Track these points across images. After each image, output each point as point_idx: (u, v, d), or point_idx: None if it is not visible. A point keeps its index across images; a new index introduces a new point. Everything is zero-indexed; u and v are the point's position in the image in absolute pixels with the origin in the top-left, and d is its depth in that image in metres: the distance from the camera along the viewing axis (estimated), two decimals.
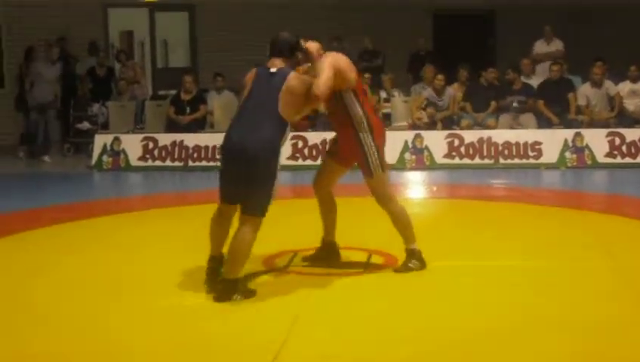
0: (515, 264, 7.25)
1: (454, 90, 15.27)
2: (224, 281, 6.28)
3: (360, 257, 7.42)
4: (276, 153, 6.31)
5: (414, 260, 6.93)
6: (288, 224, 8.01)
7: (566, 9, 18.69)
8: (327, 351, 5.16)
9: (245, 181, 6.23)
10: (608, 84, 14.73)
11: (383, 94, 15.26)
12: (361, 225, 8.62)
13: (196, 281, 6.72)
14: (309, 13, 18.90)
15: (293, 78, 6.42)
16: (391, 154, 13.25)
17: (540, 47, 16.62)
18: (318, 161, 13.62)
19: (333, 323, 5.67)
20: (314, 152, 13.89)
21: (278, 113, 6.32)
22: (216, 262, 6.54)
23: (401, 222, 6.95)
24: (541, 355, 5.05)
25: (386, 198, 6.94)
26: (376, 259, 7.35)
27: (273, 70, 6.48)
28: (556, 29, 17.02)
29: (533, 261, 7.36)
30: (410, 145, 13.73)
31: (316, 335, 5.42)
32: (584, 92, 14.71)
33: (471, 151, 13.72)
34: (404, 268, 6.93)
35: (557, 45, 16.52)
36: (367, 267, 7.17)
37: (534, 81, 15.38)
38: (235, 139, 6.30)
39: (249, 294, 6.31)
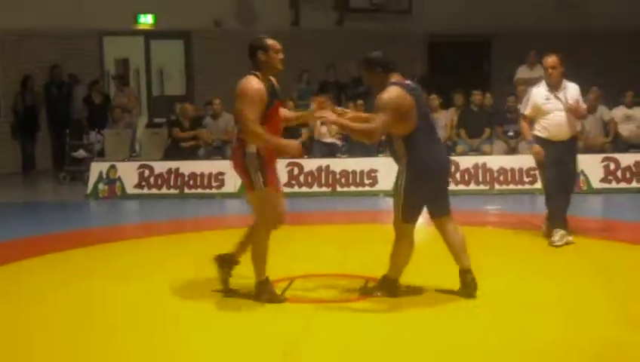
0: (513, 289, 7.25)
1: (451, 114, 15.33)
2: (466, 272, 6.97)
3: (357, 284, 7.41)
4: None
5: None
6: (284, 251, 7.97)
7: (563, 35, 18.78)
8: None
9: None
10: (602, 109, 14.79)
11: None
12: (359, 252, 8.65)
13: (191, 309, 6.74)
14: (306, 40, 19.00)
15: None
16: (387, 180, 13.34)
17: (522, 72, 16.56)
18: (315, 188, 13.72)
19: (331, 351, 5.67)
20: (309, 179, 13.90)
21: None
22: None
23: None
24: None
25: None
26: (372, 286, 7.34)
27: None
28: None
29: (530, 285, 7.37)
30: None
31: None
32: None
33: (466, 177, 13.74)
34: None
35: (540, 71, 16.45)
36: (363, 293, 7.16)
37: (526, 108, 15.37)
38: (445, 157, 7.17)
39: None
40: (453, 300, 6.93)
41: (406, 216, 6.86)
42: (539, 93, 9.58)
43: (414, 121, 6.73)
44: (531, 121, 9.57)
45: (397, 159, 6.91)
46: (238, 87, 6.75)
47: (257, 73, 6.82)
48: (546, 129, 9.43)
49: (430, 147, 6.86)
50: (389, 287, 7.07)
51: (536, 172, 9.96)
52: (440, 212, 7.07)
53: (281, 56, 6.90)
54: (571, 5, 19.92)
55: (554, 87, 9.52)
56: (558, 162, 9.32)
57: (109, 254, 9.28)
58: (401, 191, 6.81)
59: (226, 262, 7.25)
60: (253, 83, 6.71)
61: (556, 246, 9.07)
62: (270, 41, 6.91)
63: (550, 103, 9.43)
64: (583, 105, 9.76)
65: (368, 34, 19.11)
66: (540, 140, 9.45)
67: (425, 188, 6.86)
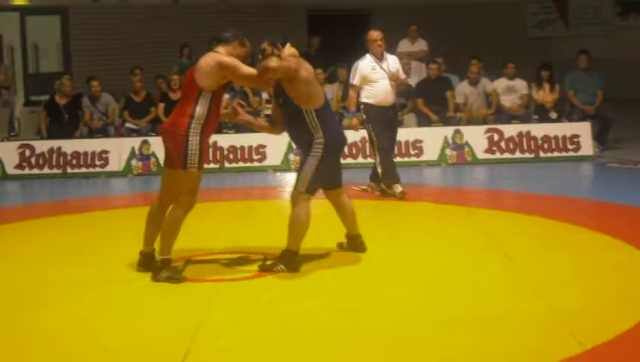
0: (407, 259, 7.31)
1: (336, 88, 15.35)
2: (356, 236, 7.62)
3: (254, 261, 7.36)
4: None
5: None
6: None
7: (443, 7, 18.99)
8: (232, 357, 5.08)
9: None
10: (485, 81, 14.99)
11: (265, 95, 15.16)
12: (252, 228, 8.58)
13: (91, 290, 6.57)
14: (185, 14, 18.81)
15: None
16: (275, 155, 13.32)
17: (403, 46, 16.71)
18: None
19: (235, 329, 5.60)
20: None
21: None
22: None
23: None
24: (441, 353, 5.09)
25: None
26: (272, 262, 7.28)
27: None
28: (433, 28, 17.25)
29: (425, 256, 7.46)
30: (294, 146, 13.60)
31: (219, 343, 5.32)
32: (462, 90, 14.93)
33: (354, 151, 13.74)
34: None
35: (421, 45, 16.63)
36: (263, 270, 7.08)
37: (411, 81, 15.52)
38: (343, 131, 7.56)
39: None
40: (354, 273, 7.02)
41: (311, 188, 7.07)
42: (365, 64, 10.63)
43: (322, 94, 7.22)
44: (358, 92, 10.66)
45: (306, 140, 7.09)
46: (214, 61, 6.74)
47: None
48: (374, 96, 10.56)
49: (336, 122, 7.51)
50: (290, 261, 7.06)
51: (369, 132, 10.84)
52: (336, 184, 7.44)
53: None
54: None
55: (378, 58, 10.64)
56: (387, 125, 10.59)
57: None
58: (314, 163, 7.00)
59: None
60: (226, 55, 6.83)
61: (400, 196, 10.43)
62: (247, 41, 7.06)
63: (376, 73, 10.57)
64: (403, 75, 11.15)
65: (249, 7, 19.04)
66: (368, 106, 10.55)
67: (334, 161, 7.24)
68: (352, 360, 5.05)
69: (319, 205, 7.41)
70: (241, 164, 13.70)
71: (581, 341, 5.15)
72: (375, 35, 10.60)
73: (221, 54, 6.81)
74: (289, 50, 7.14)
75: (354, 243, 7.61)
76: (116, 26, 19.10)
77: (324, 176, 7.12)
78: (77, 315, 6.00)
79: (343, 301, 6.20)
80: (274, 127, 7.57)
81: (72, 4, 19.05)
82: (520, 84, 15.05)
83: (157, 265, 6.82)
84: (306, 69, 7.01)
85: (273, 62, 6.83)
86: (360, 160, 13.65)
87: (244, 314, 5.92)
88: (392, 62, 10.75)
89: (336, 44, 19.54)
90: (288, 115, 7.16)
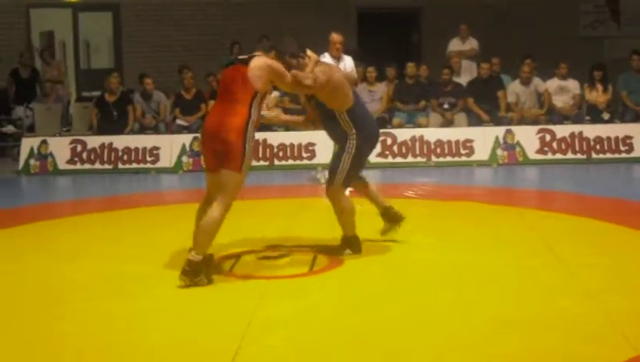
0: (458, 259, 7.24)
1: (386, 86, 15.29)
2: (389, 208, 7.73)
3: (305, 257, 7.35)
4: None
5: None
6: (226, 227, 7.80)
7: (494, 8, 18.85)
8: (282, 356, 5.07)
9: None
10: (537, 81, 14.89)
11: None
12: (302, 226, 8.58)
13: (138, 286, 6.58)
14: (235, 11, 18.86)
15: None
16: (325, 153, 13.30)
17: (454, 45, 16.63)
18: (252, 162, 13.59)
19: (287, 327, 5.57)
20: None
21: None
22: None
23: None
24: (492, 355, 5.02)
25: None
26: (321, 260, 7.28)
27: None
28: (483, 27, 17.14)
29: (476, 257, 7.36)
30: None
31: (271, 341, 5.30)
32: (513, 89, 14.84)
33: (404, 150, 13.72)
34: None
35: (472, 44, 16.52)
36: (312, 268, 7.08)
37: (462, 79, 15.46)
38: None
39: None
40: (404, 272, 6.94)
41: (347, 183, 7.41)
42: None
43: (351, 94, 7.34)
44: None
45: (341, 136, 7.34)
46: (266, 65, 6.74)
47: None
48: None
49: (369, 118, 7.66)
50: (353, 243, 7.45)
51: None
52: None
53: None
54: None
55: (337, 58, 11.10)
56: None
57: (43, 232, 9.01)
58: (349, 160, 7.27)
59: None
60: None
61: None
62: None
63: None
64: (355, 75, 11.35)
65: (298, 4, 19.03)
66: None
67: (367, 155, 7.53)
68: (401, 361, 5.01)
69: (359, 203, 7.47)
70: (290, 162, 13.75)
71: (635, 346, 5.06)
72: (336, 38, 11.24)
73: (270, 59, 6.88)
74: (312, 57, 7.28)
75: (389, 216, 7.74)
76: (167, 23, 19.18)
77: (358, 170, 7.47)
78: (122, 311, 5.99)
79: (392, 301, 6.14)
80: (308, 123, 7.85)
81: (124, 1, 19.18)
82: (572, 85, 14.94)
83: (191, 266, 6.49)
84: (335, 76, 7.23)
85: (309, 79, 7.00)
86: (410, 159, 13.64)
87: (295, 312, 5.90)
88: (349, 61, 11.23)
89: (385, 42, 19.51)
90: (322, 115, 7.42)
